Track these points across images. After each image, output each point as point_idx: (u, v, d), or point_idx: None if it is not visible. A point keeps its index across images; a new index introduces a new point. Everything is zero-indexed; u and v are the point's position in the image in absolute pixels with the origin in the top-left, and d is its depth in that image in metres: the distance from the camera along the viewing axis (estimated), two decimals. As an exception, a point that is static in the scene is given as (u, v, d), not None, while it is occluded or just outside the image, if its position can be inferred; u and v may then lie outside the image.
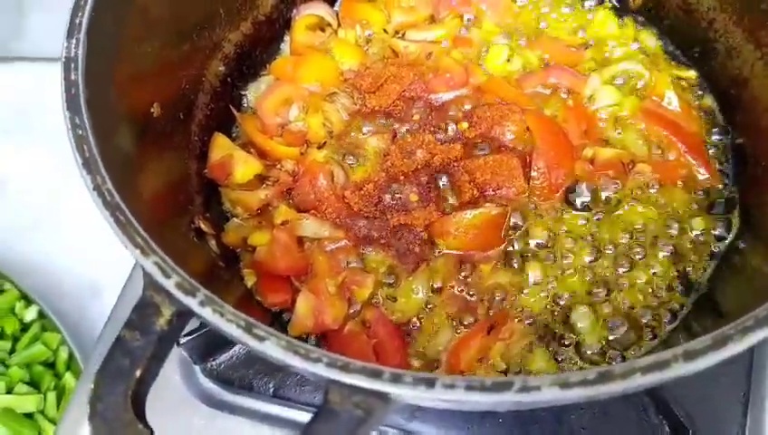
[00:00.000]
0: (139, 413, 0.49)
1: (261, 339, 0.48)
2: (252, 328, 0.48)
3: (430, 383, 0.46)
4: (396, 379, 0.46)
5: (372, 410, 0.47)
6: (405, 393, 0.46)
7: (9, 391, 1.11)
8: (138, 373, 0.50)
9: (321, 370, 0.47)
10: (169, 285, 0.50)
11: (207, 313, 0.49)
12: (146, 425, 0.49)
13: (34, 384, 1.14)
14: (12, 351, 1.16)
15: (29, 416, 1.11)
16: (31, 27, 1.46)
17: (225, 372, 0.85)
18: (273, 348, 0.48)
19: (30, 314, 1.18)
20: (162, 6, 0.74)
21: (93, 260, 1.28)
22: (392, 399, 0.47)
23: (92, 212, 1.39)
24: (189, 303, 0.50)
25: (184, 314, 0.52)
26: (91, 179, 0.55)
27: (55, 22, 1.49)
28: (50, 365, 1.16)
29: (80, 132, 0.57)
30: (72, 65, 0.61)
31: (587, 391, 0.45)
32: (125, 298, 0.94)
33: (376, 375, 0.46)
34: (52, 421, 1.11)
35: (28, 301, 1.18)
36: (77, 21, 0.63)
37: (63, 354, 1.15)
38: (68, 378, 1.14)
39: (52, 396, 1.13)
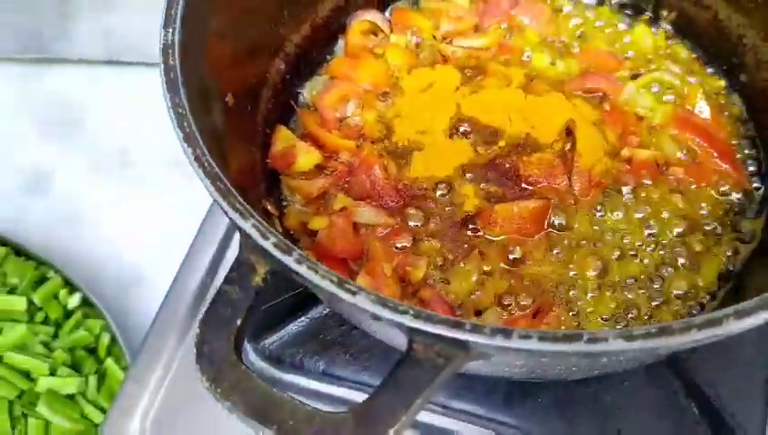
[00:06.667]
0: (240, 357, 0.55)
1: (353, 293, 0.53)
2: (344, 283, 0.54)
3: (507, 334, 0.51)
4: (476, 329, 0.51)
5: (452, 358, 0.53)
6: (483, 342, 0.51)
7: (52, 374, 1.16)
8: (239, 322, 0.55)
9: (407, 320, 0.52)
10: (268, 245, 0.56)
11: (303, 269, 0.55)
12: (246, 367, 0.54)
13: (76, 368, 1.18)
14: (55, 336, 1.21)
15: (70, 397, 1.16)
16: (76, 30, 1.52)
17: (276, 351, 0.90)
18: (364, 301, 0.53)
19: (73, 301, 1.22)
20: (239, 7, 0.81)
21: (133, 250, 1.33)
22: (471, 347, 0.52)
23: (132, 205, 1.45)
24: (287, 260, 0.55)
25: (277, 273, 0.58)
26: (192, 151, 0.61)
27: (99, 26, 1.56)
28: (91, 350, 1.21)
29: (180, 111, 0.63)
30: (170, 51, 0.66)
31: (648, 344, 0.50)
32: (177, 288, 0.98)
33: (458, 326, 0.51)
34: (93, 403, 1.16)
35: (72, 288, 1.23)
36: (172, 12, 0.69)
37: (105, 340, 1.20)
38: (109, 362, 1.19)
39: (93, 379, 1.17)
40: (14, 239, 1.22)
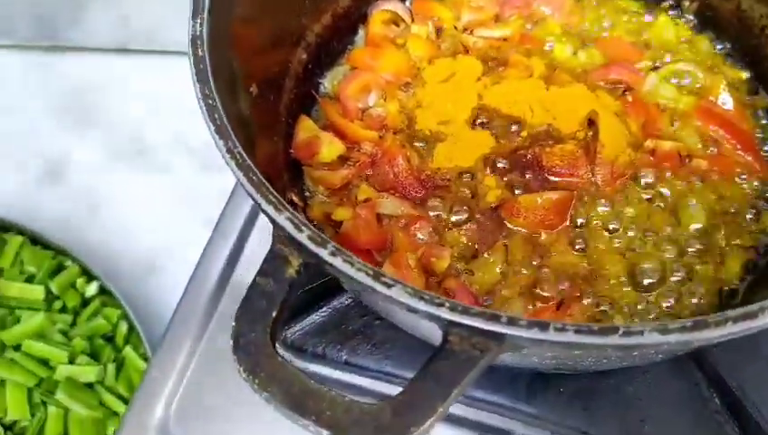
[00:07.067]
0: (275, 348, 0.55)
1: (389, 286, 0.54)
2: (380, 276, 0.54)
3: (543, 326, 0.51)
4: (512, 322, 0.52)
5: (487, 350, 0.53)
6: (520, 334, 0.52)
7: (71, 362, 1.17)
8: (274, 314, 0.56)
9: (444, 313, 0.52)
10: (302, 237, 0.56)
11: (338, 262, 0.55)
12: (282, 357, 0.54)
13: (94, 356, 1.20)
14: (73, 324, 1.22)
15: (89, 386, 1.17)
16: (90, 18, 1.52)
17: (299, 341, 0.90)
18: (400, 294, 0.53)
19: (91, 290, 1.23)
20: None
21: (150, 237, 1.34)
22: (507, 340, 0.53)
23: (148, 192, 1.46)
24: (321, 253, 0.55)
25: (310, 266, 0.58)
26: (224, 144, 0.61)
27: (112, 14, 1.56)
28: (109, 338, 1.22)
29: (210, 102, 0.63)
30: (199, 42, 0.66)
31: (684, 337, 0.51)
32: (198, 278, 0.99)
33: (495, 318, 0.52)
34: (111, 391, 1.17)
35: (89, 277, 1.24)
36: (200, 4, 0.69)
37: (123, 329, 1.21)
38: (127, 351, 1.20)
39: (111, 368, 1.19)
40: (31, 228, 1.23)
